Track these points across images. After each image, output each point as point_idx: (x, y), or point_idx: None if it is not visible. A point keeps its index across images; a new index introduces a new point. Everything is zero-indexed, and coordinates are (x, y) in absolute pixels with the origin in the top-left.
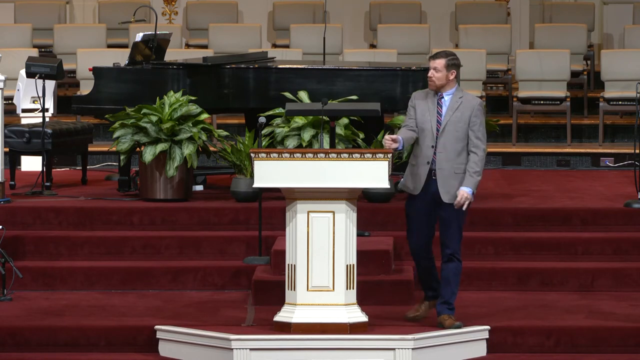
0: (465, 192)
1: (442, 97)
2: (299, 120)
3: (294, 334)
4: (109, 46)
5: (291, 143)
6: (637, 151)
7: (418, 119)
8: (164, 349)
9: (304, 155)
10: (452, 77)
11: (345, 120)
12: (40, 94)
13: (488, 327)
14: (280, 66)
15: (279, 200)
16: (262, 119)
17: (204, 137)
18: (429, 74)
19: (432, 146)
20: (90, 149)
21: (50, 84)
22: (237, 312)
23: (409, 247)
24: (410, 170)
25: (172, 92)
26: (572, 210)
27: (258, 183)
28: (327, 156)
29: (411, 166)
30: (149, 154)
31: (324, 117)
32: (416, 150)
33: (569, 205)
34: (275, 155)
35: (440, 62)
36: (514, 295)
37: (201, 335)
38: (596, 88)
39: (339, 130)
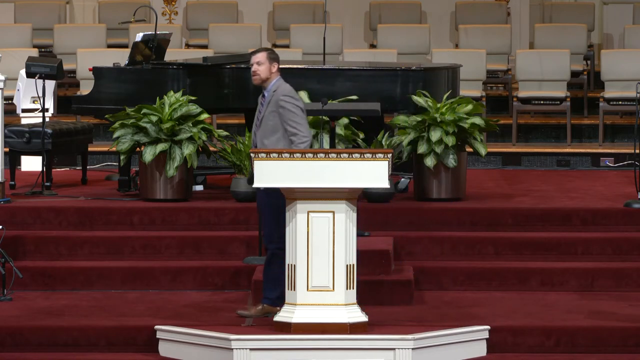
0: None
1: (264, 93)
2: None
3: (294, 334)
4: (109, 46)
5: None
6: (637, 151)
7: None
8: (164, 349)
9: (303, 155)
10: (274, 70)
11: (345, 120)
12: (40, 94)
13: (488, 327)
14: (280, 66)
15: None
16: None
17: (204, 137)
18: (253, 69)
19: (255, 140)
20: (90, 149)
21: (50, 84)
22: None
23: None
24: None
25: (172, 92)
26: (572, 210)
27: (258, 183)
28: (327, 156)
29: None
30: (149, 154)
31: (324, 117)
32: None
33: (569, 205)
34: (275, 155)
35: (262, 55)
36: (514, 295)
37: (201, 335)
38: (596, 88)
39: (339, 130)
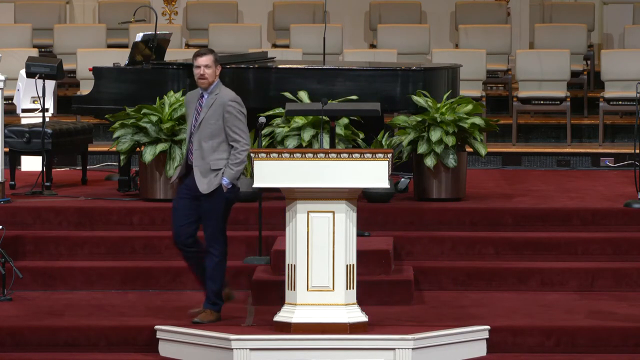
0: (223, 184)
1: (203, 96)
2: (299, 120)
3: (294, 334)
4: (109, 46)
5: (291, 143)
6: (637, 151)
7: (187, 122)
8: (164, 349)
9: (304, 155)
10: (217, 73)
11: (345, 120)
12: (40, 94)
13: (488, 327)
14: (280, 66)
15: (279, 200)
16: (262, 119)
17: None
18: (201, 72)
19: (192, 144)
20: (90, 149)
21: (50, 84)
22: (237, 312)
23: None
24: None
25: (172, 92)
26: (572, 210)
27: (258, 183)
28: (327, 156)
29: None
30: (149, 154)
31: (324, 117)
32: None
33: (569, 205)
34: (275, 155)
35: (209, 58)
36: (514, 295)
37: (201, 335)
38: (596, 88)
39: (339, 130)
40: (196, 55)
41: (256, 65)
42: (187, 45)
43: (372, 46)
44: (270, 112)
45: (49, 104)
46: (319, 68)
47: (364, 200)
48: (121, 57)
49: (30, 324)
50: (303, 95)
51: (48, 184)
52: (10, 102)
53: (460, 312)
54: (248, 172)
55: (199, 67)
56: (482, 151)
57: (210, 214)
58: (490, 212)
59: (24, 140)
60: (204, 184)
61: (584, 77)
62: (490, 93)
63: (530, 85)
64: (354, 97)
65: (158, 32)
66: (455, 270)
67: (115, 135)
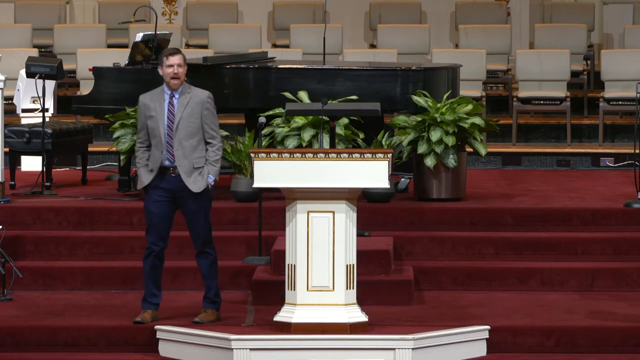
0: (209, 181)
1: (174, 96)
2: (299, 120)
3: (294, 334)
4: (109, 46)
5: (291, 143)
6: (637, 151)
7: (149, 124)
8: (164, 349)
9: (304, 155)
10: (185, 72)
11: (345, 120)
12: (40, 94)
13: (488, 327)
14: (280, 66)
15: (279, 200)
16: (262, 119)
17: None
18: (174, 71)
19: (169, 145)
20: (90, 149)
21: (50, 84)
22: (237, 312)
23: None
24: (145, 170)
25: None
26: (572, 210)
27: (258, 183)
28: (327, 156)
29: (145, 167)
30: None
31: (324, 117)
32: (152, 155)
33: (569, 205)
34: (275, 155)
35: (181, 57)
36: (514, 295)
37: (201, 335)
38: (596, 88)
39: (339, 130)
40: (167, 54)
41: (256, 65)
42: (187, 45)
43: (372, 46)
44: (270, 112)
45: (49, 104)
46: (319, 68)
47: (364, 200)
48: (121, 57)
49: (30, 324)
50: (303, 95)
51: (48, 184)
52: (10, 102)
53: (460, 312)
54: (248, 172)
55: (171, 66)
56: (482, 151)
57: (199, 213)
58: (490, 212)
59: (24, 140)
60: (193, 183)
61: (584, 77)
62: (490, 93)
63: (530, 85)
64: (354, 97)
65: (158, 32)
66: (455, 270)
67: (115, 135)
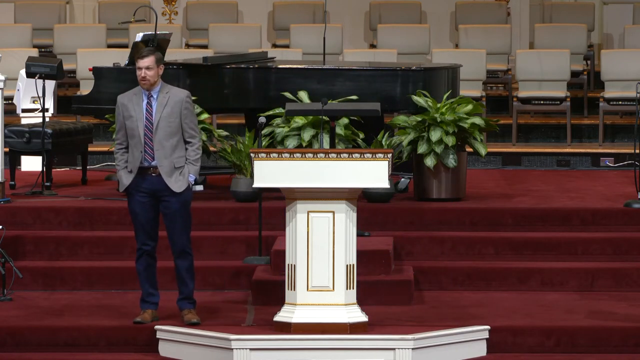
0: (190, 181)
1: (152, 96)
2: (299, 120)
3: (294, 334)
4: (109, 46)
5: (291, 143)
6: (637, 151)
7: (127, 125)
8: (164, 349)
9: (304, 155)
10: (160, 73)
11: (345, 120)
12: (40, 94)
13: (488, 327)
14: (280, 66)
15: (279, 200)
16: (262, 119)
17: (203, 137)
18: (142, 75)
19: (148, 146)
20: (90, 149)
21: (50, 84)
22: (237, 312)
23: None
24: (124, 172)
25: None
26: (572, 210)
27: (258, 183)
28: (327, 156)
29: (125, 169)
30: None
31: (324, 117)
32: (130, 156)
33: (569, 205)
34: (275, 155)
35: (151, 60)
36: (514, 295)
37: (201, 335)
38: (596, 88)
39: (339, 130)
40: (138, 57)
41: (256, 65)
42: (187, 45)
43: (372, 46)
44: (270, 112)
45: (49, 104)
46: (319, 68)
47: (364, 200)
48: (121, 57)
49: (30, 324)
50: (303, 95)
51: (48, 184)
52: (10, 102)
53: (460, 312)
54: (248, 172)
55: (140, 69)
56: (482, 151)
57: (180, 212)
58: (490, 212)
59: (24, 140)
60: (174, 183)
61: (584, 77)
62: (490, 93)
63: (530, 85)
64: (354, 97)
65: (158, 32)
66: (455, 270)
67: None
